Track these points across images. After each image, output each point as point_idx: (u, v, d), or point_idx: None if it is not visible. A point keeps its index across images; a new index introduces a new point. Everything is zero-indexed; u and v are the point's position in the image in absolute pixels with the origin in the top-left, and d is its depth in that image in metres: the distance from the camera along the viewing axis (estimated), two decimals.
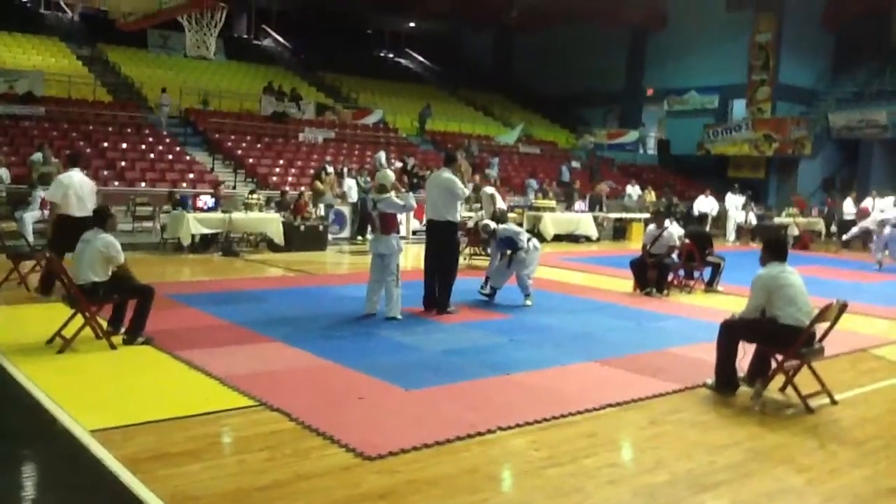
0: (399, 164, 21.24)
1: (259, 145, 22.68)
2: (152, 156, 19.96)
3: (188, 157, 20.55)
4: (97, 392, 5.57)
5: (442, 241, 8.82)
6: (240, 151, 21.77)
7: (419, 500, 3.91)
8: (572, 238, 19.53)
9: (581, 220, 20.04)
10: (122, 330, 6.91)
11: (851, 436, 5.27)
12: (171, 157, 20.30)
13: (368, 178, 17.09)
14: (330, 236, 16.02)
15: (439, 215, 8.72)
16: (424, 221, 9.20)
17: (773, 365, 5.91)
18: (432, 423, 5.02)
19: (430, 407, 5.42)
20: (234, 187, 19.13)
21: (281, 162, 21.80)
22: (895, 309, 10.39)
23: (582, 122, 34.81)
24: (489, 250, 9.86)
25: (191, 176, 19.27)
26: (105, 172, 18.27)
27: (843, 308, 5.96)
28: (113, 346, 6.63)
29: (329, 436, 4.70)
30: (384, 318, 8.27)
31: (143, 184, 18.13)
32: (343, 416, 5.13)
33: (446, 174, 8.78)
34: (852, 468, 4.64)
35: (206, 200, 14.29)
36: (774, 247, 6.11)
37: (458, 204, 8.85)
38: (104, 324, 6.90)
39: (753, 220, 21.29)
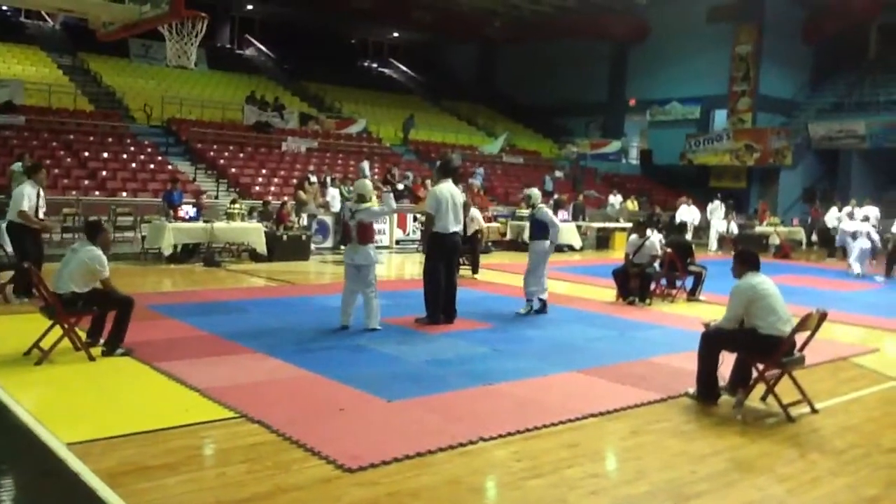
0: (403, 179, 21.30)
1: (242, 155, 22.60)
2: (134, 165, 19.84)
3: (170, 167, 20.44)
4: (75, 404, 5.50)
5: (453, 253, 9.15)
6: (222, 161, 21.68)
7: None
8: (556, 248, 19.54)
9: (565, 229, 20.06)
10: (101, 341, 6.84)
11: (832, 444, 5.29)
12: (152, 166, 20.19)
13: (352, 188, 17.06)
14: (313, 246, 15.98)
15: (452, 228, 8.85)
16: (427, 231, 9.19)
17: (755, 374, 5.94)
18: (414, 435, 5.00)
19: (412, 418, 5.39)
20: (217, 197, 19.04)
21: (264, 171, 21.73)
22: (873, 318, 10.47)
23: (565, 133, 34.98)
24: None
25: (170, 188, 19.13)
26: (86, 182, 18.14)
27: (822, 317, 6.00)
28: (91, 358, 6.56)
29: (310, 448, 4.66)
30: (364, 330, 8.22)
31: (124, 193, 18.00)
32: (324, 427, 5.09)
33: (457, 189, 9.14)
34: (833, 477, 4.66)
35: (187, 210, 14.20)
36: (746, 257, 6.17)
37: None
38: (83, 335, 6.83)
39: (735, 230, 21.42)
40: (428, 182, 18.04)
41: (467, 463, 4.63)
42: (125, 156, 20.22)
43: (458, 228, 8.95)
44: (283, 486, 4.14)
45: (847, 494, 4.39)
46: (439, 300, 8.88)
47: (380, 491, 4.12)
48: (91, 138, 20.63)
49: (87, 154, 19.61)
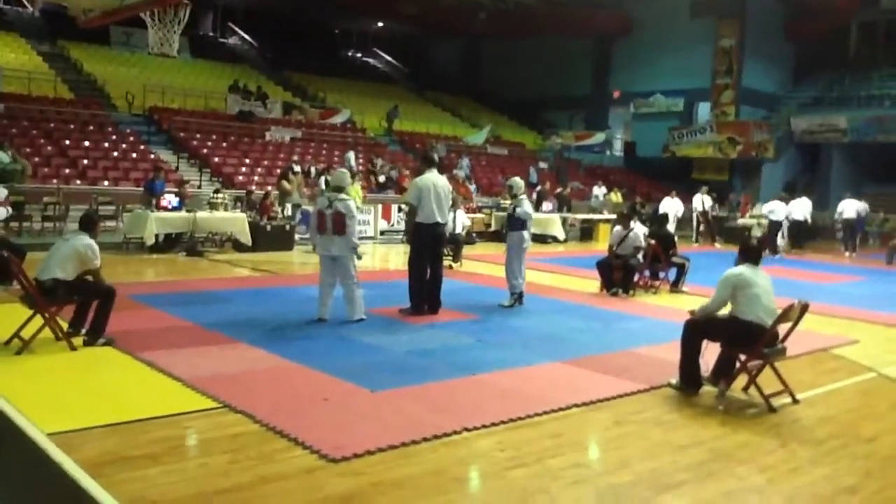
0: (385, 169, 21.25)
1: (225, 144, 22.45)
2: (115, 154, 19.66)
3: (152, 156, 20.27)
4: (56, 394, 5.46)
5: (438, 243, 9.11)
6: (205, 150, 21.53)
7: (384, 503, 3.88)
8: (540, 239, 19.61)
9: (549, 220, 20.13)
10: (83, 331, 6.79)
11: (812, 435, 5.35)
12: (134, 155, 20.02)
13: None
14: (297, 236, 15.91)
15: (436, 218, 8.83)
16: (410, 222, 9.18)
17: (737, 365, 5.99)
18: (398, 425, 5.00)
19: (396, 408, 5.39)
20: (200, 186, 18.91)
21: (247, 161, 21.61)
22: (854, 310, 10.57)
23: (549, 125, 35.02)
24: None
25: (154, 176, 18.98)
26: (67, 171, 17.96)
27: (804, 309, 6.06)
28: (73, 348, 6.52)
29: (293, 438, 4.65)
30: (348, 322, 8.17)
31: (105, 182, 17.85)
32: (308, 417, 5.09)
33: (444, 180, 9.12)
34: (812, 467, 4.71)
35: (170, 200, 14.10)
36: (750, 251, 6.30)
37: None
38: (64, 325, 6.77)
39: (709, 212, 21.92)
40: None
41: (451, 453, 4.63)
42: (106, 144, 20.03)
43: (442, 219, 8.93)
44: (266, 477, 4.13)
45: (826, 484, 4.43)
46: (423, 291, 8.88)
47: (363, 481, 4.12)
48: (71, 126, 20.41)
49: (67, 142, 19.41)
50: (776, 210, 19.58)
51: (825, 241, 22.41)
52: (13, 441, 2.17)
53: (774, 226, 19.50)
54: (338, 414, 5.21)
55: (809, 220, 20.07)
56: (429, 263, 8.96)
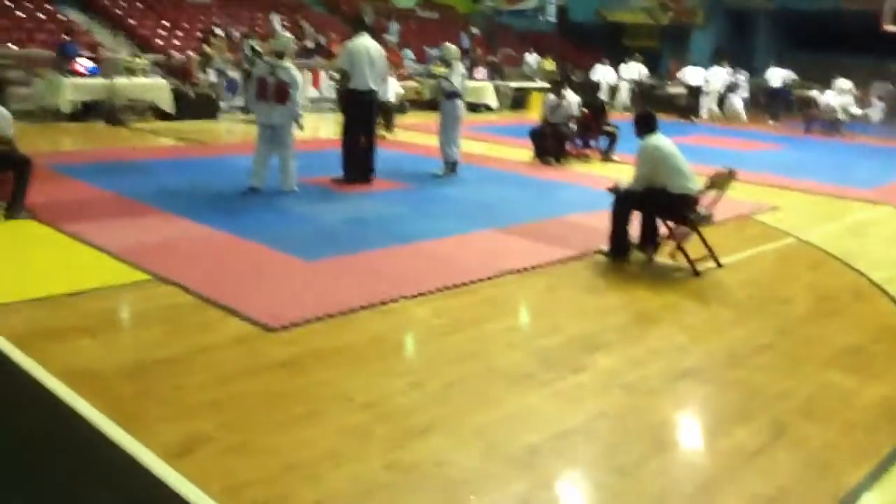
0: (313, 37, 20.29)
1: (140, 5, 21.08)
2: (20, 14, 18.27)
3: (60, 17, 18.93)
4: None
5: (371, 111, 8.89)
6: (118, 11, 20.20)
7: (323, 369, 3.95)
8: (473, 107, 19.38)
9: (482, 89, 19.85)
10: (3, 205, 6.50)
11: (733, 297, 5.61)
12: (41, 15, 18.65)
13: (257, 42, 16.27)
14: (222, 104, 15.32)
15: (370, 85, 8.61)
16: (342, 89, 8.91)
17: (664, 231, 6.15)
18: (334, 294, 5.03)
19: (332, 277, 5.41)
20: (116, 51, 17.84)
21: (165, 24, 20.41)
22: (774, 176, 10.90)
23: None
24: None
25: (66, 38, 17.80)
26: None
27: (731, 175, 6.21)
28: None
29: (229, 308, 4.64)
30: (280, 192, 8.04)
31: (10, 45, 16.65)
32: (243, 288, 5.06)
33: (376, 45, 8.81)
34: (732, 326, 4.96)
35: (83, 64, 13.31)
36: (647, 119, 6.23)
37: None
38: None
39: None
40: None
41: (388, 321, 4.71)
42: (9, 3, 18.55)
43: (376, 86, 8.70)
44: (203, 346, 4.13)
45: (744, 342, 4.69)
46: (356, 160, 8.76)
47: (302, 348, 4.16)
48: None
49: None
50: (709, 78, 19.86)
51: (751, 109, 22.78)
52: None
53: (695, 92, 19.82)
54: (273, 284, 5.19)
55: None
56: (362, 132, 8.79)
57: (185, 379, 3.73)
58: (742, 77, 20.85)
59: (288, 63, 8.02)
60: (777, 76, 20.65)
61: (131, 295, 4.92)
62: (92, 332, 4.24)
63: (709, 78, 20.23)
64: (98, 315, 4.52)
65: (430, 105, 18.39)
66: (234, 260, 5.71)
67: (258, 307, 4.66)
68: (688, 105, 20.00)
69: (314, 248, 6.06)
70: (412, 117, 16.81)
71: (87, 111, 13.31)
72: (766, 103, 21.06)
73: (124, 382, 3.65)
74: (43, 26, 17.94)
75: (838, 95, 17.87)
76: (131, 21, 19.93)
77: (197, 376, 3.77)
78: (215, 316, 4.57)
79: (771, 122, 20.11)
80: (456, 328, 4.64)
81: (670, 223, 6.10)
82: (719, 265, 6.16)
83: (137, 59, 14.36)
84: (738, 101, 20.31)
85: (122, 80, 13.53)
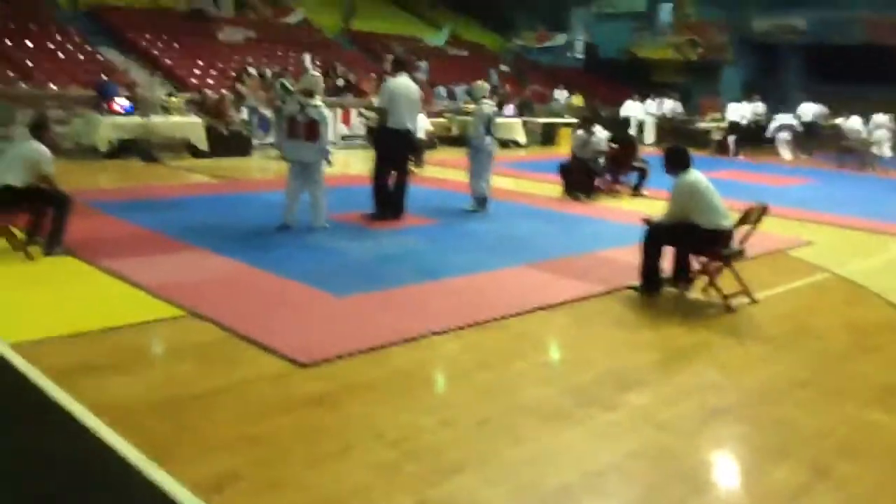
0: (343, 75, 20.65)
1: (176, 45, 21.59)
2: (61, 56, 18.79)
3: (100, 57, 19.44)
4: (17, 305, 5.36)
5: (405, 149, 9.04)
6: (156, 52, 20.71)
7: (354, 405, 3.95)
8: (501, 143, 19.45)
9: (510, 125, 19.96)
10: (41, 240, 6.63)
11: (767, 332, 5.53)
12: (81, 57, 19.17)
13: (291, 82, 16.54)
14: (255, 141, 15.57)
15: (406, 125, 8.73)
16: (379, 127, 9.01)
17: (696, 266, 6.10)
18: (364, 330, 5.04)
19: (362, 313, 5.43)
20: (151, 91, 18.23)
21: (199, 63, 20.86)
22: (807, 212, 10.78)
23: (510, 26, 34.24)
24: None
25: (104, 78, 18.25)
26: (11, 73, 17.16)
27: (763, 211, 6.16)
28: (30, 257, 6.38)
29: (261, 344, 4.67)
30: (311, 228, 8.10)
31: (52, 85, 17.12)
32: (274, 324, 5.09)
33: (414, 84, 8.97)
34: (767, 363, 4.88)
35: (121, 103, 13.63)
36: (679, 155, 6.16)
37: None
38: (20, 234, 6.61)
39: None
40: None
41: (418, 356, 4.71)
42: (51, 45, 19.11)
43: (412, 126, 8.81)
44: (236, 382, 4.16)
45: (780, 379, 4.61)
46: (388, 196, 8.83)
47: (334, 384, 4.17)
48: (11, 25, 19.38)
49: (8, 42, 18.47)
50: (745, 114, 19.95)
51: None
52: None
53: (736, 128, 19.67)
54: (304, 320, 5.22)
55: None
56: (394, 170, 8.87)
57: (218, 415, 3.75)
58: (790, 115, 20.58)
59: (318, 101, 8.14)
60: (809, 111, 20.52)
61: (166, 330, 4.98)
62: (126, 368, 4.28)
63: (745, 114, 20.12)
64: (133, 350, 4.57)
65: (460, 141, 18.56)
66: (267, 296, 5.76)
67: (290, 343, 4.68)
68: (724, 141, 19.94)
69: (345, 283, 6.09)
70: (442, 153, 16.93)
71: (124, 149, 13.59)
72: (799, 138, 20.90)
73: (158, 418, 3.68)
74: (82, 66, 18.43)
75: (875, 130, 17.71)
76: (167, 61, 20.42)
77: (230, 412, 3.79)
78: (248, 352, 4.60)
79: (804, 156, 19.94)
80: (486, 364, 4.62)
81: (703, 258, 6.05)
82: (753, 301, 6.09)
83: (173, 99, 14.67)
84: (783, 140, 20.00)
85: (157, 119, 13.82)
